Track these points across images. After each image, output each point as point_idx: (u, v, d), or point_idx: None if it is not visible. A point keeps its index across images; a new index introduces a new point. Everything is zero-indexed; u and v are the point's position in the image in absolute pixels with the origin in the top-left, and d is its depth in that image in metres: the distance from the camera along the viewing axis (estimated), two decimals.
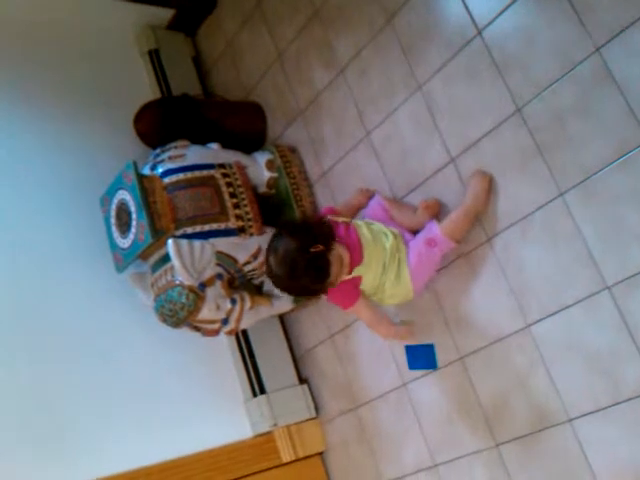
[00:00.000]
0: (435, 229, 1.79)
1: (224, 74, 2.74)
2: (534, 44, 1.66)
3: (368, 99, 2.11)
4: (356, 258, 1.74)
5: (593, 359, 1.60)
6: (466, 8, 1.80)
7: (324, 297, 1.84)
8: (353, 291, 1.78)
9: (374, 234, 1.81)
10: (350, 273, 1.74)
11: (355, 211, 2.06)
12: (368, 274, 1.77)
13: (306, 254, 1.63)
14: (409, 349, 2.01)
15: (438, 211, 1.88)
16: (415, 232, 1.88)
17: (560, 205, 1.64)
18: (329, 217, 1.81)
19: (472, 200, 1.78)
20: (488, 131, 1.78)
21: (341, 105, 2.20)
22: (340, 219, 1.82)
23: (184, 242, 1.99)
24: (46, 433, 1.99)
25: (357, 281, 1.77)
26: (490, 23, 1.75)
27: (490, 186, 1.77)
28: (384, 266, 1.79)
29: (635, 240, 1.51)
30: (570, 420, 1.66)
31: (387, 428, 2.14)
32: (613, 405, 1.57)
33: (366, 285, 1.79)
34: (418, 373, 2.01)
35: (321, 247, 1.65)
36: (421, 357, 1.99)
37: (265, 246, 2.12)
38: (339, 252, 1.69)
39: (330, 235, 1.71)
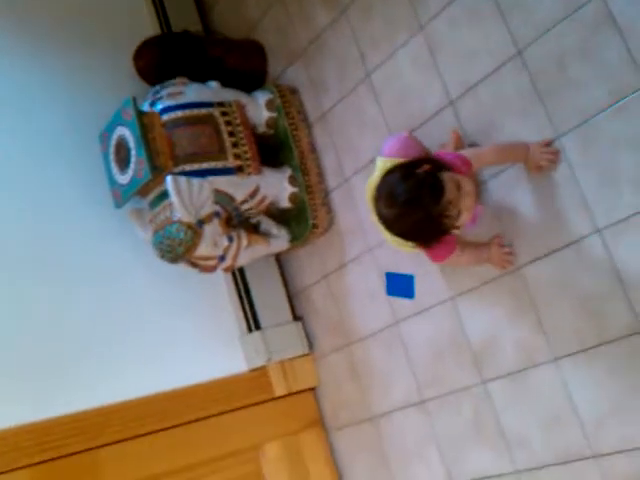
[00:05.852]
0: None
1: (225, 11, 2.70)
2: None
3: (370, 40, 2.09)
4: None
5: (581, 301, 1.64)
6: None
7: (428, 258, 1.70)
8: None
9: None
10: None
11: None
12: None
13: (413, 177, 1.50)
14: (389, 276, 2.07)
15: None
16: None
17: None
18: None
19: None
20: (488, 74, 1.78)
21: (343, 46, 2.18)
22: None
23: (183, 179, 2.00)
24: (42, 365, 2.04)
25: None
26: None
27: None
28: None
29: (627, 184, 1.52)
30: (556, 359, 1.70)
31: (378, 365, 2.19)
32: (598, 345, 1.61)
33: None
34: (409, 312, 2.05)
35: (427, 166, 1.51)
36: (400, 285, 2.04)
37: (262, 185, 2.17)
38: (452, 176, 1.52)
39: (435, 160, 1.56)
